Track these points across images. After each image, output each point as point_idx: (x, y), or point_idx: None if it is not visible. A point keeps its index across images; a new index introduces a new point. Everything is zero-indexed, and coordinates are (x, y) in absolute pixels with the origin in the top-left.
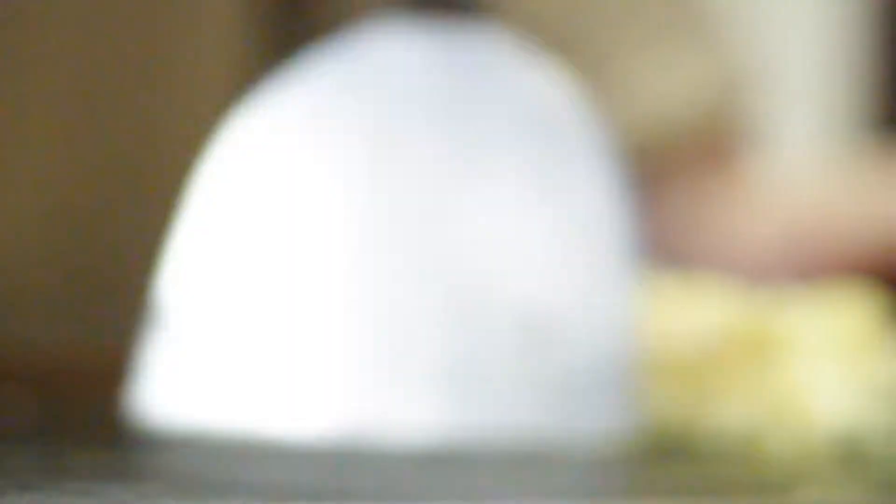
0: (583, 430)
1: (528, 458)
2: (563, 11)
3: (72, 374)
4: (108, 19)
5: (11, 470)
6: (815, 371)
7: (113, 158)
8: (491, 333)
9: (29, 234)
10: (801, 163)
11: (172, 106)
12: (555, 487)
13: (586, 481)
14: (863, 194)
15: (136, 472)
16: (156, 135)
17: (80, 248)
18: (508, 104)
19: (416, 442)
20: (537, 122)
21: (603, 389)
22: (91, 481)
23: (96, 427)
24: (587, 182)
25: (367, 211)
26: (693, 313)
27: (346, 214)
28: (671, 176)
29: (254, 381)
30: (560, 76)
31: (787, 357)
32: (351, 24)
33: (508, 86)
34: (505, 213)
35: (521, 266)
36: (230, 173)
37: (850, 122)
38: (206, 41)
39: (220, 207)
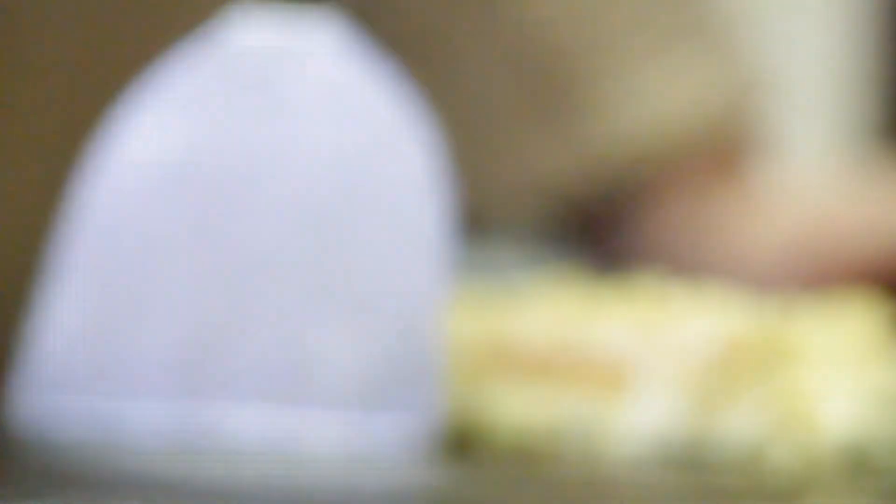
0: (390, 426)
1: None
2: (573, 18)
3: None
4: None
5: None
6: (821, 380)
7: None
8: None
9: None
10: (809, 171)
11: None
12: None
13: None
14: (870, 203)
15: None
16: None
17: None
18: (323, 97)
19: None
20: (348, 116)
21: (410, 388)
22: None
23: None
24: (400, 178)
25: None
26: (700, 322)
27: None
28: (679, 183)
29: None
30: (389, 71)
31: (793, 366)
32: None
33: (327, 77)
34: (307, 204)
35: (319, 263)
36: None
37: (857, 132)
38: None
39: (93, 209)
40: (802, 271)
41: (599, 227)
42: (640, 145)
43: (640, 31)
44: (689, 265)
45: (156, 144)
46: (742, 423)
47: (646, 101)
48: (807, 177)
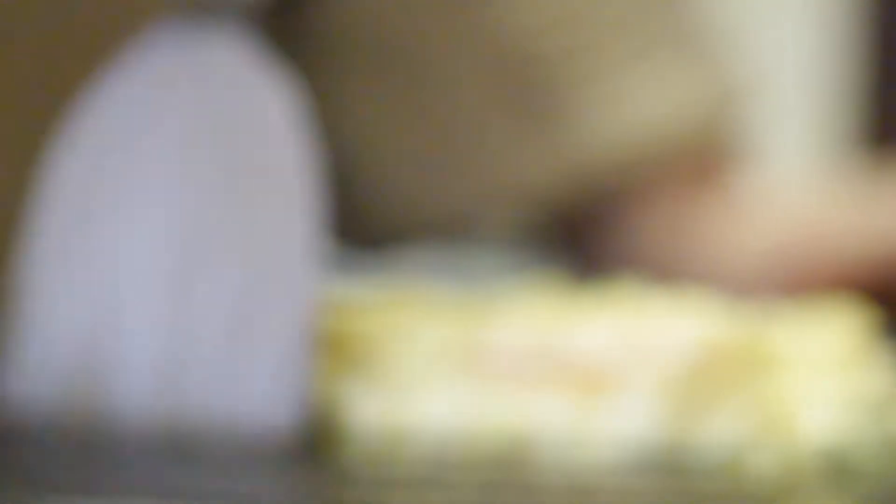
0: (251, 417)
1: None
2: (554, 25)
3: None
4: None
5: None
6: (801, 386)
7: None
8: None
9: None
10: (790, 177)
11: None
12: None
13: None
14: (851, 208)
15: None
16: None
17: None
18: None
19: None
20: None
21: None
22: None
23: None
24: (271, 182)
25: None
26: (680, 327)
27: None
28: (660, 189)
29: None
30: (279, 84)
31: (773, 372)
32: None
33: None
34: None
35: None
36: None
37: (838, 140)
38: None
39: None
40: (783, 277)
41: (580, 233)
42: (621, 152)
43: (621, 37)
44: (671, 271)
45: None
46: (722, 429)
47: (627, 107)
48: (788, 182)
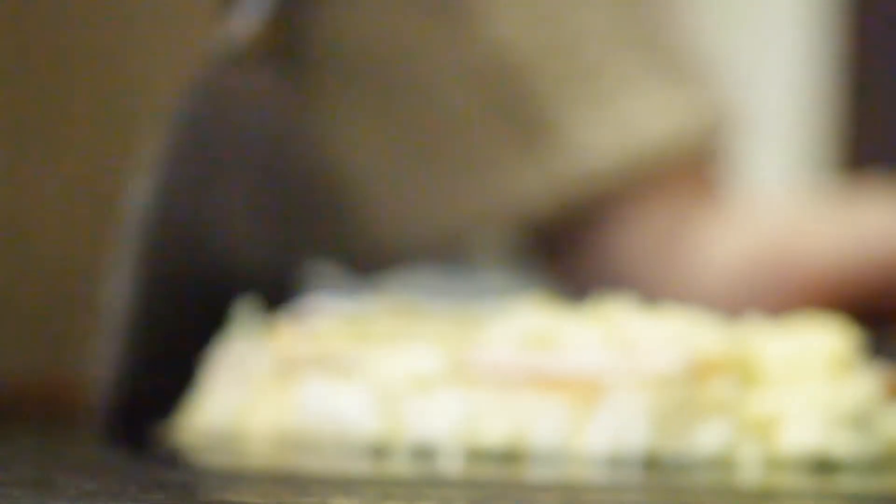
0: None
1: None
2: (544, 47)
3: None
4: None
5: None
6: (786, 395)
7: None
8: None
9: None
10: (770, 195)
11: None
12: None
13: None
14: (828, 224)
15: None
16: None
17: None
18: None
19: None
20: None
21: None
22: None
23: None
24: None
25: None
26: (665, 339)
27: None
28: (647, 208)
29: None
30: None
31: (758, 382)
32: None
33: None
34: None
35: None
36: None
37: (820, 166)
38: None
39: None
40: (764, 294)
41: (567, 252)
42: (611, 170)
43: (612, 60)
44: (656, 289)
45: None
46: (706, 441)
47: (617, 126)
48: (768, 199)
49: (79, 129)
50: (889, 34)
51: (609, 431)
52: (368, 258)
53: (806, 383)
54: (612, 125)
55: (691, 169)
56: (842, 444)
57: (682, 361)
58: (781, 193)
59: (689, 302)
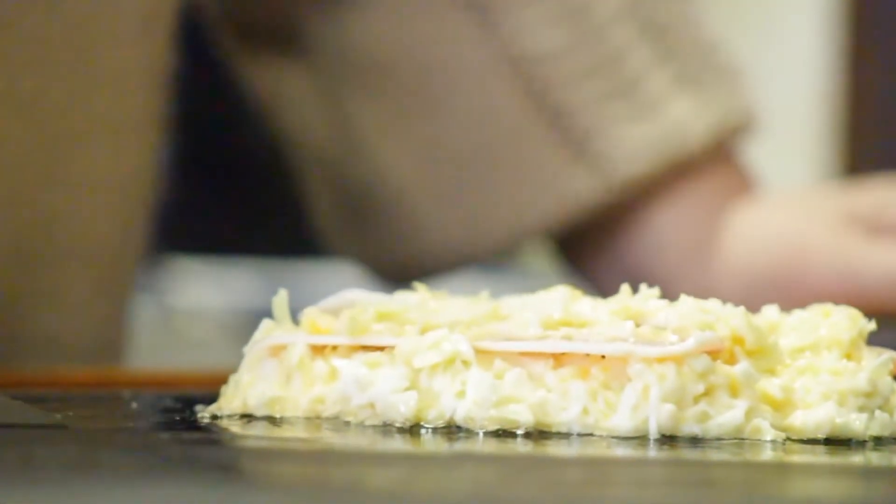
0: None
1: None
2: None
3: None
4: None
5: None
6: (801, 378)
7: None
8: None
9: None
10: (781, 196)
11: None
12: None
13: None
14: (836, 234)
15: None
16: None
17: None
18: None
19: None
20: None
21: None
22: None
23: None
24: None
25: None
26: (682, 325)
27: None
28: (685, 198)
29: None
30: None
31: (771, 364)
32: None
33: None
34: None
35: None
36: None
37: (830, 173)
38: None
39: None
40: (769, 291)
41: (601, 252)
42: (649, 175)
43: (648, 74)
44: (689, 277)
45: None
46: (724, 420)
47: (656, 135)
48: (779, 200)
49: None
50: (890, 36)
51: (631, 410)
52: (412, 268)
53: (820, 364)
54: (652, 133)
55: (716, 163)
56: (854, 422)
57: (701, 344)
58: (791, 193)
59: (704, 291)
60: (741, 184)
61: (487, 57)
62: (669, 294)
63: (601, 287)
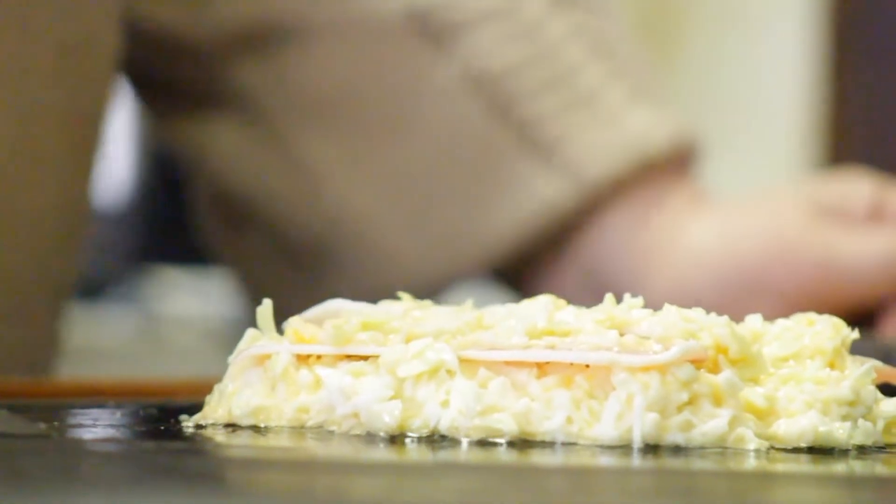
0: None
1: None
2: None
3: None
4: None
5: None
6: (784, 386)
7: None
8: None
9: None
10: (752, 193)
11: None
12: None
13: None
14: (810, 227)
15: None
16: None
17: None
18: None
19: None
20: None
21: None
22: None
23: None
24: None
25: None
26: (664, 333)
27: None
28: (641, 201)
29: None
30: None
31: (755, 373)
32: None
33: None
34: None
35: None
36: None
37: (799, 162)
38: None
39: None
40: (740, 292)
41: (544, 264)
42: (612, 177)
43: (603, 89)
44: (644, 277)
45: None
46: (707, 429)
47: (617, 141)
48: (755, 201)
49: None
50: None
51: (615, 419)
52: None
53: (803, 373)
54: (616, 139)
55: (675, 173)
56: (837, 430)
57: (684, 353)
58: (766, 192)
59: (671, 290)
60: (702, 195)
61: (447, 79)
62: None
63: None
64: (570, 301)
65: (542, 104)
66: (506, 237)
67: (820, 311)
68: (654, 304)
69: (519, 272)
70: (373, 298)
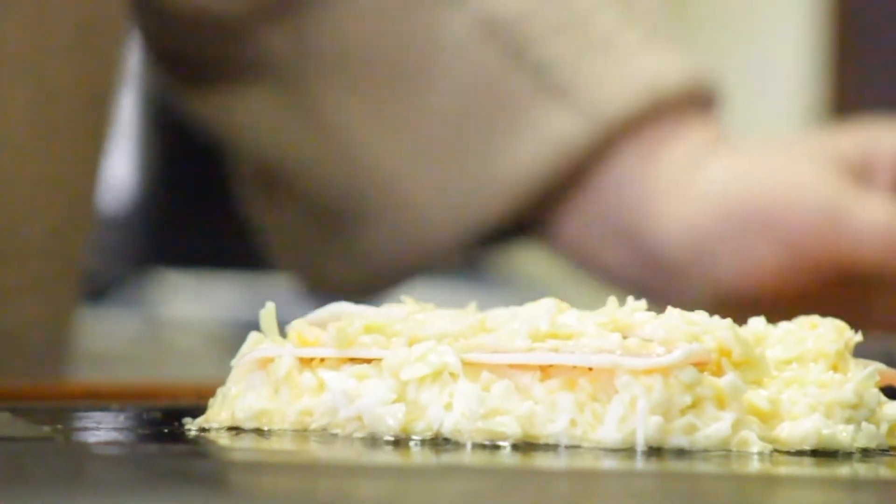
0: None
1: None
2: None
3: None
4: None
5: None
6: (787, 389)
7: None
8: None
9: None
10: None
11: None
12: None
13: None
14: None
15: None
16: None
17: None
18: None
19: None
20: None
21: None
22: None
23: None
24: None
25: None
26: (669, 332)
27: None
28: (662, 138)
29: None
30: None
31: (758, 376)
32: None
33: None
34: None
35: None
36: None
37: (807, 111)
38: None
39: None
40: (745, 234)
41: (557, 204)
42: (632, 113)
43: (618, 31)
44: (657, 216)
45: None
46: (711, 431)
47: (636, 79)
48: (767, 145)
49: None
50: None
51: (618, 422)
52: (388, 274)
53: (806, 376)
54: (631, 78)
55: (691, 114)
56: (841, 433)
57: (687, 356)
58: (787, 139)
59: (679, 227)
60: (718, 136)
61: (461, 25)
62: (645, 234)
63: (566, 238)
64: (589, 244)
65: (555, 47)
66: (526, 177)
67: (819, 265)
68: (664, 241)
69: (538, 218)
70: (409, 255)
